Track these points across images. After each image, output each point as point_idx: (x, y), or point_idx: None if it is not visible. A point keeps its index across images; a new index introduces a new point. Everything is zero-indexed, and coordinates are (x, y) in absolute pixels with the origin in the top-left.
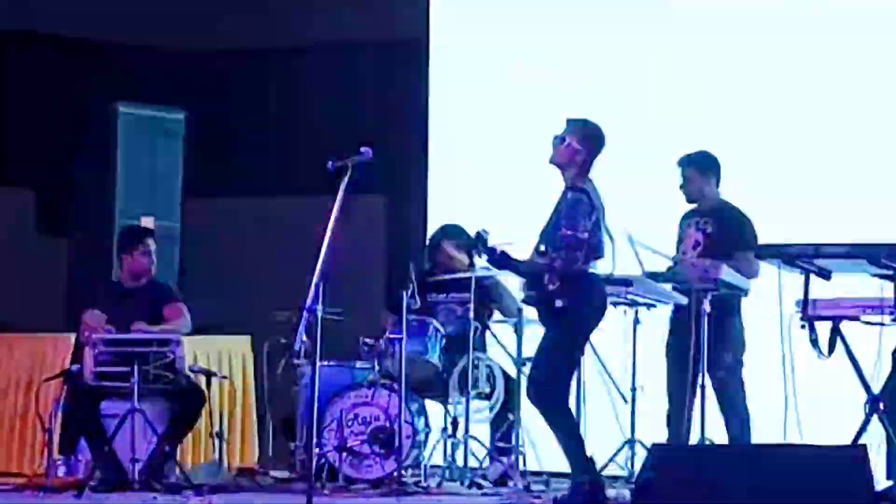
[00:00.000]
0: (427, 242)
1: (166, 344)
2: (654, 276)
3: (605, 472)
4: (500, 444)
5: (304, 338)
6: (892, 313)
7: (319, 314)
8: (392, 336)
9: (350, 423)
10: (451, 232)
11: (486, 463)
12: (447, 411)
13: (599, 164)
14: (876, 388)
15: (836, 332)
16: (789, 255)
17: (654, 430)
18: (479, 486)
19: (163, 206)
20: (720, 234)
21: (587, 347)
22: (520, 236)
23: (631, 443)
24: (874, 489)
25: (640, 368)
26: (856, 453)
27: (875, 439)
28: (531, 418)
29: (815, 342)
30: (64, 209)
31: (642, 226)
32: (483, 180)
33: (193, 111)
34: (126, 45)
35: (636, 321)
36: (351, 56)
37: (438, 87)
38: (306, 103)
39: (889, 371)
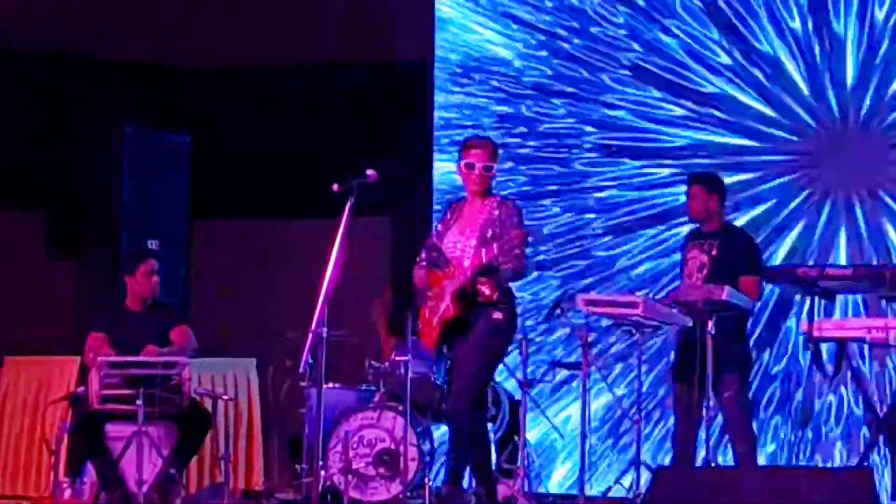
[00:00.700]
0: None
1: (172, 367)
2: None
3: (610, 495)
4: (506, 466)
5: (310, 360)
6: None
7: (324, 336)
8: (397, 358)
9: (355, 446)
10: None
11: None
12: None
13: None
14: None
15: (841, 353)
16: (794, 278)
17: (661, 452)
18: None
19: (169, 228)
20: (725, 256)
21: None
22: None
23: (636, 465)
24: None
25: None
26: (862, 475)
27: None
28: (537, 440)
29: (820, 363)
30: (71, 233)
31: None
32: None
33: (200, 134)
34: (133, 69)
35: (641, 343)
36: (356, 77)
37: (442, 107)
38: (312, 125)
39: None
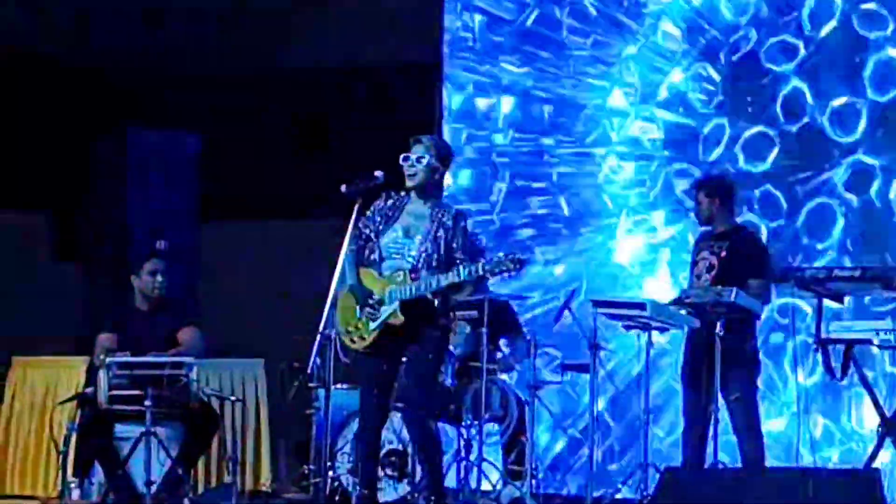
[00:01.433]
0: None
1: (180, 367)
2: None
3: (618, 497)
4: (513, 468)
5: (318, 361)
6: None
7: (332, 337)
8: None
9: None
10: None
11: (499, 486)
12: (460, 434)
13: None
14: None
15: (849, 356)
16: (803, 279)
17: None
18: None
19: (177, 229)
20: (734, 258)
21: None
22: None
23: (644, 466)
24: None
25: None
26: (869, 476)
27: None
28: (544, 442)
29: (828, 365)
30: (78, 234)
31: None
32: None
33: (207, 135)
34: (139, 71)
35: (649, 344)
36: (365, 79)
37: (451, 109)
38: (321, 127)
39: None
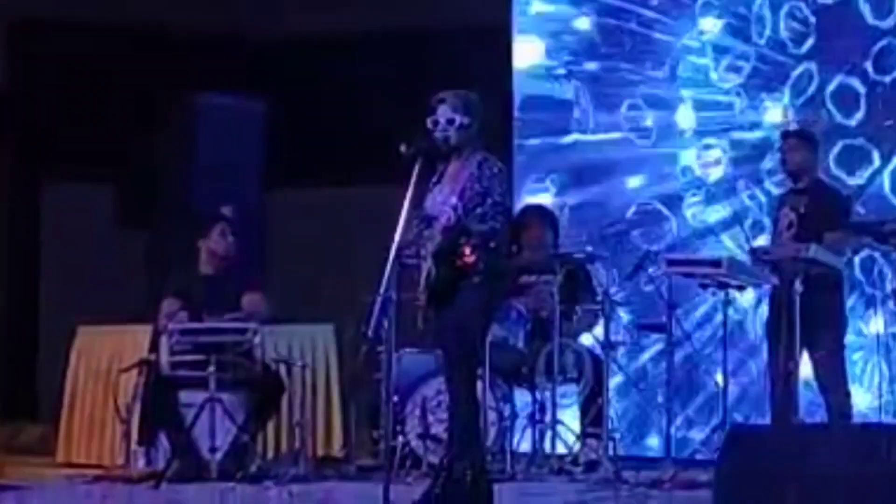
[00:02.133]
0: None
1: (243, 333)
2: None
3: (697, 457)
4: (590, 430)
5: (382, 323)
6: None
7: (394, 299)
8: None
9: (434, 411)
10: (534, 211)
11: (576, 448)
12: (534, 397)
13: None
14: None
15: None
16: (882, 233)
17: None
18: (568, 473)
19: (243, 196)
20: (813, 212)
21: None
22: None
23: (722, 426)
24: None
25: None
26: None
27: None
28: (621, 403)
29: None
30: (143, 201)
31: None
32: (567, 163)
33: (272, 100)
34: (204, 36)
35: (727, 302)
36: (430, 43)
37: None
38: (385, 91)
39: None
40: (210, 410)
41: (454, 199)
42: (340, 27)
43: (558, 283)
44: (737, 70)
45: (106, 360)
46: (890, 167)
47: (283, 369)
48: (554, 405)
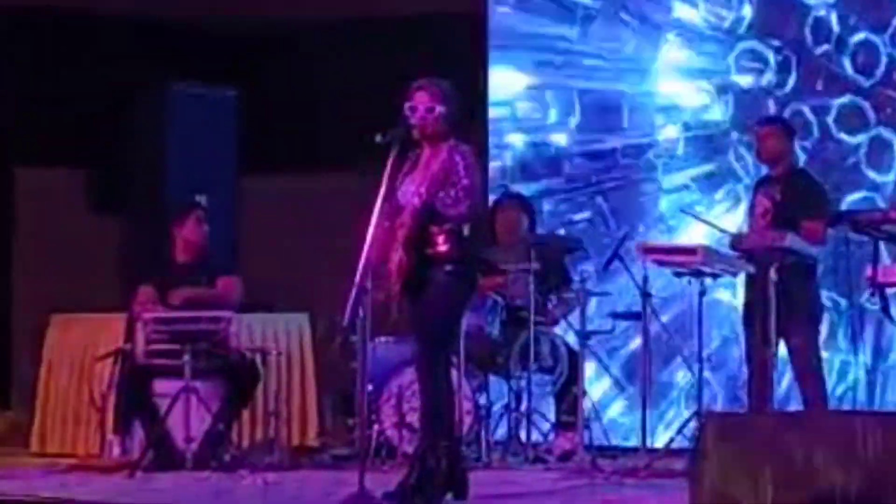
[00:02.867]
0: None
1: (218, 321)
2: None
3: (672, 446)
4: (565, 419)
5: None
6: None
7: (369, 288)
8: None
9: (409, 400)
10: (510, 199)
11: (551, 437)
12: (510, 386)
13: None
14: None
15: None
16: (858, 222)
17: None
18: (543, 461)
19: (216, 183)
20: (788, 201)
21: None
22: None
23: (698, 414)
24: None
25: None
26: None
27: None
28: (596, 392)
29: (885, 310)
30: (116, 188)
31: None
32: (541, 152)
33: (245, 88)
34: (177, 23)
35: (702, 291)
36: (405, 29)
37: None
38: (359, 78)
39: None
40: (185, 399)
41: (423, 187)
42: (314, 14)
43: (533, 270)
44: None
45: (80, 349)
46: None
47: (258, 358)
48: (529, 394)
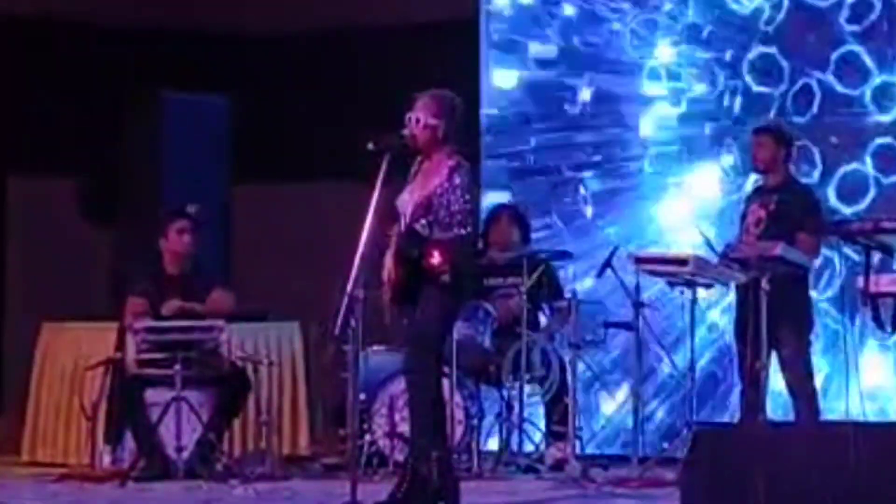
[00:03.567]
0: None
1: (209, 331)
2: None
3: (664, 455)
4: (556, 428)
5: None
6: None
7: (360, 297)
8: None
9: (401, 409)
10: (502, 210)
11: (542, 447)
12: (501, 396)
13: None
14: None
15: None
16: (850, 232)
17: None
18: (535, 471)
19: (209, 192)
20: (783, 211)
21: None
22: None
23: (689, 425)
24: None
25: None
26: None
27: None
28: (587, 402)
29: (877, 320)
30: (109, 197)
31: None
32: (536, 159)
33: (238, 96)
34: (169, 32)
35: (693, 301)
36: (398, 38)
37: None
38: (352, 86)
39: None
40: (176, 409)
41: (418, 202)
42: (307, 22)
43: (527, 285)
44: None
45: (72, 358)
46: None
47: (249, 367)
48: (521, 404)
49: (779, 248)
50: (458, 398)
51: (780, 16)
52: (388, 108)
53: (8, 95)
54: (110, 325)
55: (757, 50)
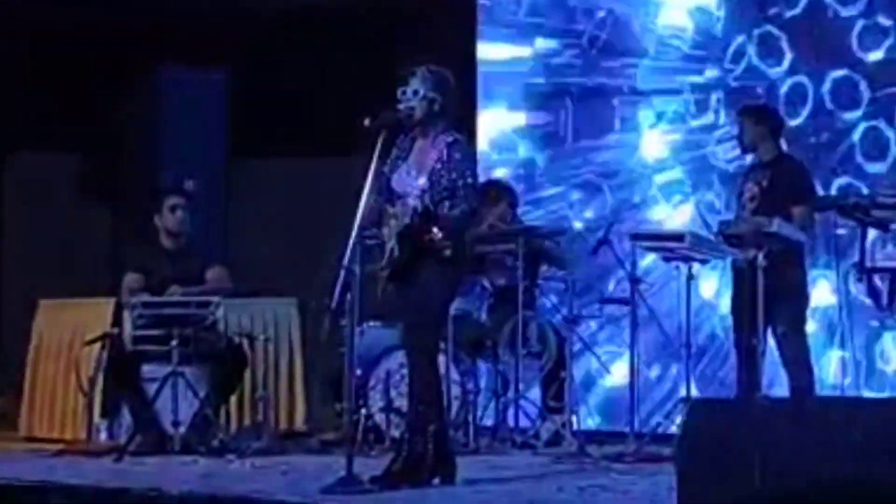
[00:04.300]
0: None
1: (206, 306)
2: None
3: (659, 431)
4: (552, 404)
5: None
6: None
7: (356, 272)
8: None
9: (397, 384)
10: (494, 186)
11: (538, 422)
12: (497, 371)
13: None
14: None
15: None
16: (846, 207)
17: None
18: (531, 447)
19: (207, 167)
20: (775, 186)
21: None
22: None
23: (685, 401)
24: None
25: None
26: None
27: None
28: (584, 377)
29: (873, 295)
30: (107, 172)
31: None
32: (529, 137)
33: (236, 71)
34: (168, 6)
35: (690, 277)
36: (397, 13)
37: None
38: (351, 61)
39: None
40: (172, 384)
41: (422, 181)
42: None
43: (521, 254)
44: None
45: (68, 334)
46: None
47: (245, 343)
48: (517, 379)
49: (774, 224)
50: (454, 373)
51: None
52: (387, 84)
53: (5, 72)
54: (106, 300)
55: None
